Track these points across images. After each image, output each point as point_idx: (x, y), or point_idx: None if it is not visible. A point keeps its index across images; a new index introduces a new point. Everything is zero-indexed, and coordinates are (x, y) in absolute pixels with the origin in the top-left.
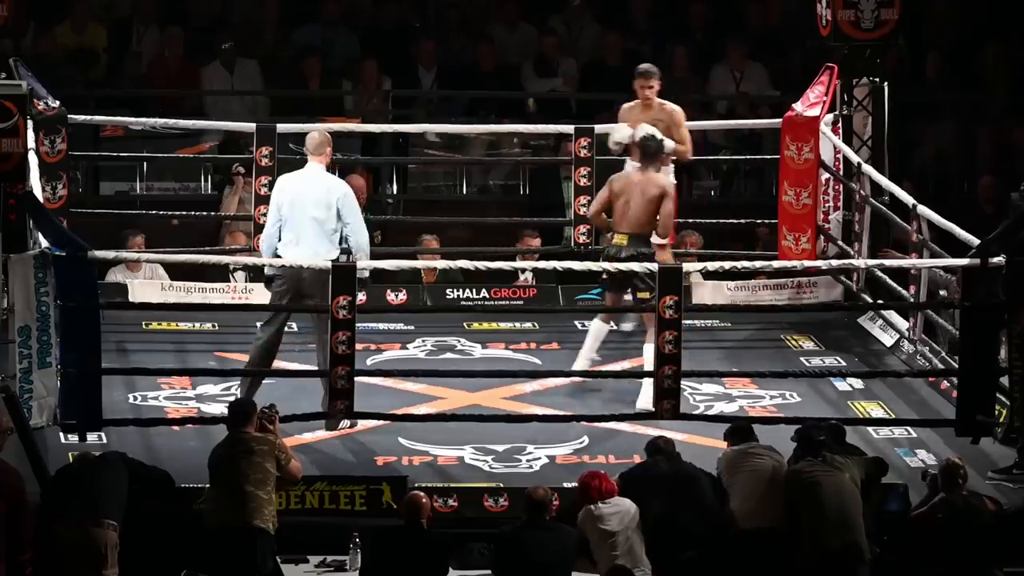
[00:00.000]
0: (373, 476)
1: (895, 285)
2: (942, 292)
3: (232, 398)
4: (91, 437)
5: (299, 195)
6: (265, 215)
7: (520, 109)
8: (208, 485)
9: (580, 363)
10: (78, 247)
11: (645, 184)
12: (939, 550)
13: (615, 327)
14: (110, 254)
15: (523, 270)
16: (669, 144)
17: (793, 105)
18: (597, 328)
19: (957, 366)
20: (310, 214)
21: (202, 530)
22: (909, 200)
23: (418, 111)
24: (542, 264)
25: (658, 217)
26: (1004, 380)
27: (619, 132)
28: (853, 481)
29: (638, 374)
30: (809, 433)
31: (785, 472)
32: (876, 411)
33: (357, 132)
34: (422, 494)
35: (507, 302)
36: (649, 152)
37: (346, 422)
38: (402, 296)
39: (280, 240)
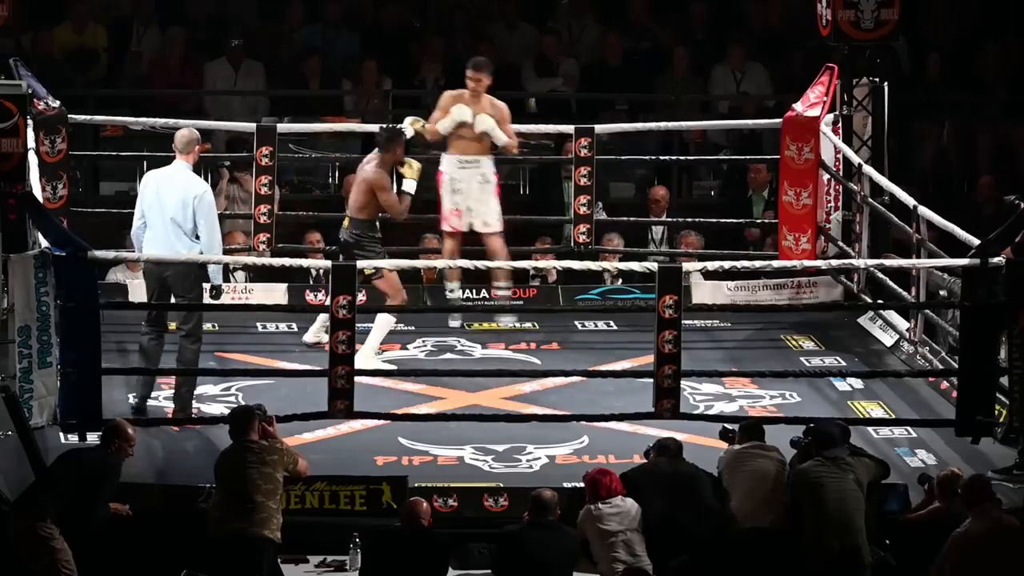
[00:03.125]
0: (373, 476)
1: (895, 286)
2: (942, 293)
3: (232, 399)
4: (91, 437)
5: (159, 195)
6: (265, 215)
7: (520, 109)
8: (211, 486)
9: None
10: (78, 247)
11: (363, 173)
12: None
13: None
14: (110, 254)
15: (533, 274)
16: (501, 138)
17: (793, 105)
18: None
19: (957, 366)
20: (168, 214)
21: (205, 535)
22: (909, 200)
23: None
24: (542, 264)
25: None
26: (1004, 380)
27: (460, 113)
28: (858, 483)
29: (638, 374)
30: (823, 430)
31: (791, 472)
32: (876, 411)
33: (357, 132)
34: (422, 500)
35: (507, 302)
36: (378, 142)
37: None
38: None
39: (144, 238)
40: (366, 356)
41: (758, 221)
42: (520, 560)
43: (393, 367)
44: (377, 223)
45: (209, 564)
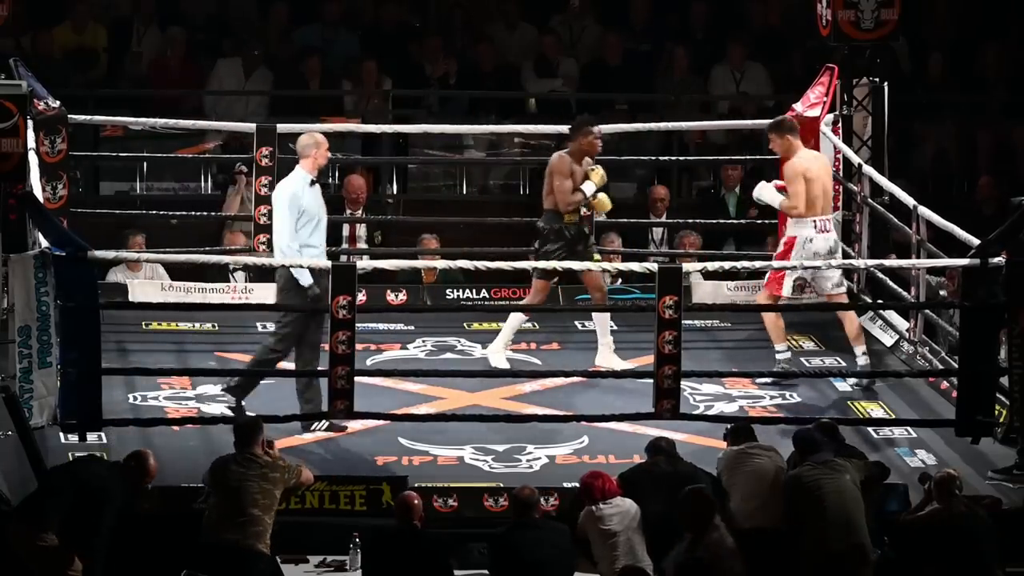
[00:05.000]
0: (373, 476)
1: (895, 286)
2: (942, 293)
3: (231, 399)
4: (91, 437)
5: None
6: (265, 215)
7: (520, 109)
8: (209, 490)
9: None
10: (78, 247)
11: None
12: (943, 555)
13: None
14: (110, 254)
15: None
16: (777, 198)
17: (793, 105)
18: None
19: (957, 366)
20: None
21: (200, 540)
22: (909, 200)
23: (421, 112)
24: (542, 264)
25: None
26: (1004, 380)
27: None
28: (854, 483)
29: (638, 374)
30: (807, 436)
31: (785, 477)
32: (876, 411)
33: (357, 132)
34: (414, 494)
35: (507, 302)
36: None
37: (322, 423)
38: (402, 296)
39: None
40: (495, 351)
41: (758, 221)
42: (516, 562)
43: (507, 366)
44: (566, 215)
45: (203, 569)
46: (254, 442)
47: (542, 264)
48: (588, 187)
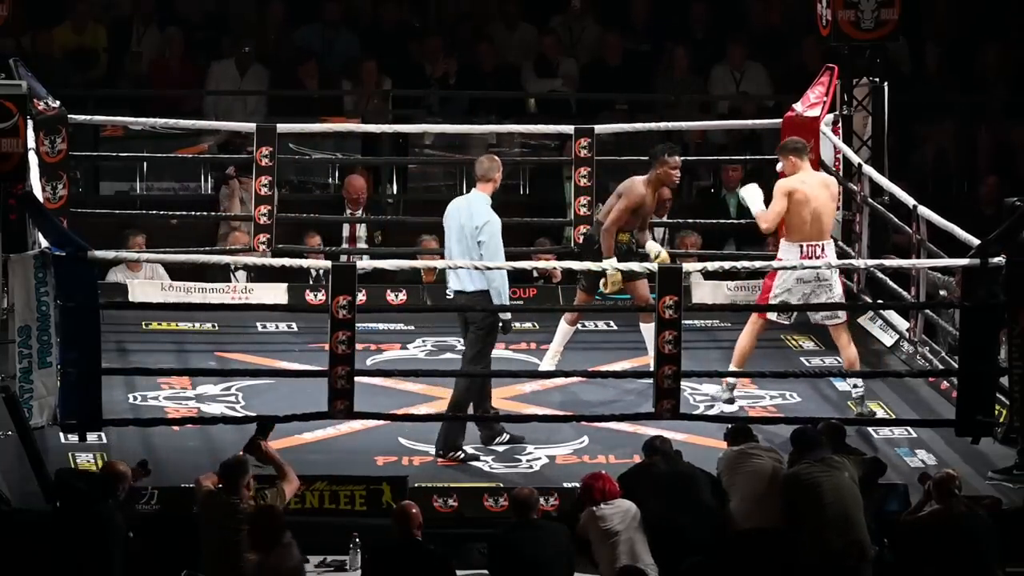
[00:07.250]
0: (373, 476)
1: (895, 286)
2: (942, 292)
3: (232, 399)
4: (91, 437)
5: (450, 222)
6: (266, 215)
7: (520, 109)
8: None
9: (546, 363)
10: (78, 247)
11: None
12: (943, 555)
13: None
14: (110, 254)
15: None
16: (756, 207)
17: (793, 105)
18: (564, 329)
19: (957, 366)
20: (455, 240)
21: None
22: (909, 200)
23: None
24: (542, 264)
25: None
26: (1004, 380)
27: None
28: (852, 480)
29: (638, 374)
30: (805, 433)
31: (783, 476)
32: (876, 411)
33: (357, 132)
34: (412, 503)
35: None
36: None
37: (505, 436)
38: (402, 296)
39: None
40: (546, 359)
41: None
42: (515, 561)
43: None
44: (624, 234)
45: None
46: (240, 484)
47: (541, 264)
48: (612, 282)
